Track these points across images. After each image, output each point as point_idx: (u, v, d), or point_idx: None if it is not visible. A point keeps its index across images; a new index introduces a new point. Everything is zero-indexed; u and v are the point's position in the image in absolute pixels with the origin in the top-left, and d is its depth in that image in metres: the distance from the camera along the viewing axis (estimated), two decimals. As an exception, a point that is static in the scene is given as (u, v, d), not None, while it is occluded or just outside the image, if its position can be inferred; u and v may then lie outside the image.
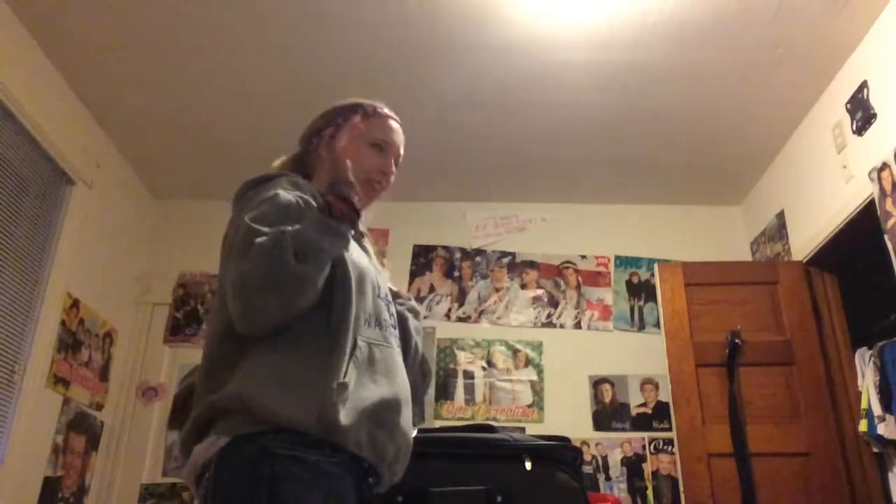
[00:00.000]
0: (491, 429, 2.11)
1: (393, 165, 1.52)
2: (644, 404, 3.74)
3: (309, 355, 1.19)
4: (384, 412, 1.24)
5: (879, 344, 3.00)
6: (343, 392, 1.17)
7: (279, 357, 1.18)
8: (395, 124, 1.55)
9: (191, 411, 1.26)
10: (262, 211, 1.23)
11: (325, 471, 1.14)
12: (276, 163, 1.55)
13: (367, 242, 1.49)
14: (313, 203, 1.29)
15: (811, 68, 3.08)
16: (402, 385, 1.31)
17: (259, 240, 1.16)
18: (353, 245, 1.37)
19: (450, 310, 3.97)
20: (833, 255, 3.34)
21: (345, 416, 1.16)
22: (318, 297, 1.20)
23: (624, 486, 3.58)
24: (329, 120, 1.53)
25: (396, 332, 1.40)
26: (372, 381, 1.24)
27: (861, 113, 2.91)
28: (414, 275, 4.05)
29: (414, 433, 1.37)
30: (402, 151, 1.56)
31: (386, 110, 1.56)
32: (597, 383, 3.79)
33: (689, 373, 3.29)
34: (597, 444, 3.65)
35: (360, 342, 1.25)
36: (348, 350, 1.21)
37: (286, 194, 1.28)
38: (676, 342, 3.35)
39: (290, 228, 1.17)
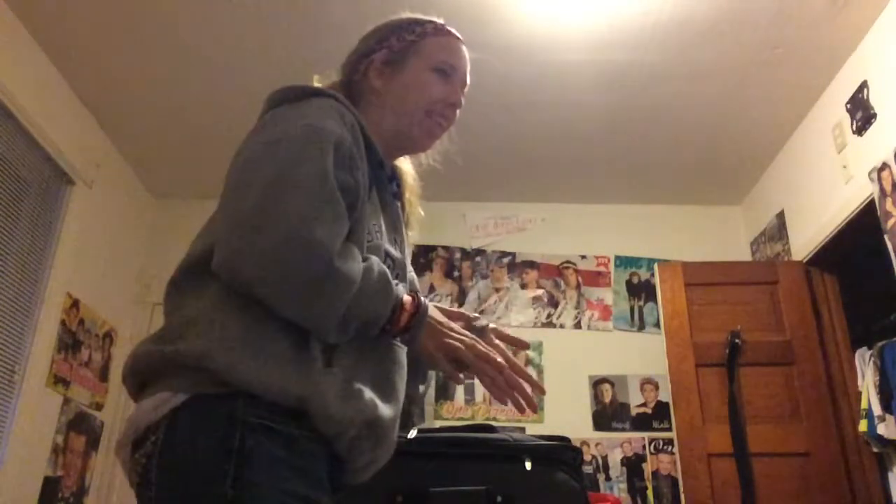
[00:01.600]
0: (491, 429, 2.11)
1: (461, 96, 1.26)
2: (644, 404, 3.74)
3: (292, 328, 0.97)
4: (380, 428, 1.03)
5: (879, 344, 2.99)
6: (329, 378, 0.98)
7: (264, 317, 0.95)
8: (462, 46, 1.29)
9: None
10: (321, 166, 0.97)
11: (303, 449, 0.94)
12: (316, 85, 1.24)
13: (410, 192, 1.29)
14: (358, 160, 1.06)
15: (811, 68, 3.08)
16: (402, 394, 1.12)
17: (342, 266, 0.94)
18: (381, 223, 1.13)
19: (450, 310, 3.97)
20: (833, 255, 3.34)
21: (331, 405, 0.96)
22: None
23: (624, 486, 3.57)
24: (381, 40, 1.25)
25: None
26: (374, 389, 1.04)
27: (861, 113, 2.91)
28: (414, 275, 4.05)
29: (414, 433, 1.34)
30: (468, 81, 1.30)
31: (451, 29, 1.28)
32: (597, 383, 3.79)
33: (689, 373, 3.29)
34: (597, 444, 3.64)
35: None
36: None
37: (336, 128, 1.04)
38: (676, 342, 3.35)
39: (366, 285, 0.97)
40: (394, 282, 1.03)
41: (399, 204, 1.27)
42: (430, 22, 1.26)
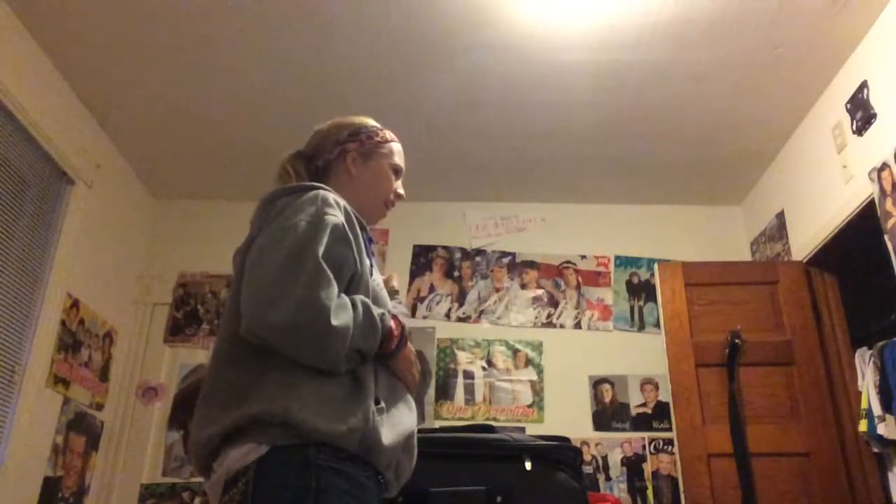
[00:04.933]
0: (491, 429, 2.11)
1: None
2: (644, 404, 3.74)
3: (343, 378, 1.25)
4: (412, 438, 1.34)
5: (879, 344, 2.99)
6: (382, 415, 1.26)
7: (316, 375, 1.22)
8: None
9: (192, 412, 1.28)
10: (327, 247, 1.26)
11: (363, 483, 1.22)
12: (286, 155, 1.57)
13: (374, 248, 1.56)
14: (356, 228, 1.36)
15: (811, 68, 3.08)
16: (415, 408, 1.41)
17: (337, 323, 1.20)
18: (376, 271, 1.44)
19: (450, 310, 3.97)
20: (833, 255, 3.34)
21: (384, 438, 1.24)
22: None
23: (624, 486, 3.57)
24: (352, 134, 1.57)
25: None
26: (405, 405, 1.35)
27: (861, 113, 2.91)
28: (414, 275, 4.05)
29: None
30: None
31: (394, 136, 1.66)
32: (597, 383, 3.79)
33: (689, 373, 3.28)
34: (597, 444, 3.65)
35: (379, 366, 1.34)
36: (374, 373, 1.30)
37: (334, 217, 1.31)
38: (676, 342, 3.35)
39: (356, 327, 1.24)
40: (378, 313, 1.29)
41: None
42: (385, 130, 1.62)
